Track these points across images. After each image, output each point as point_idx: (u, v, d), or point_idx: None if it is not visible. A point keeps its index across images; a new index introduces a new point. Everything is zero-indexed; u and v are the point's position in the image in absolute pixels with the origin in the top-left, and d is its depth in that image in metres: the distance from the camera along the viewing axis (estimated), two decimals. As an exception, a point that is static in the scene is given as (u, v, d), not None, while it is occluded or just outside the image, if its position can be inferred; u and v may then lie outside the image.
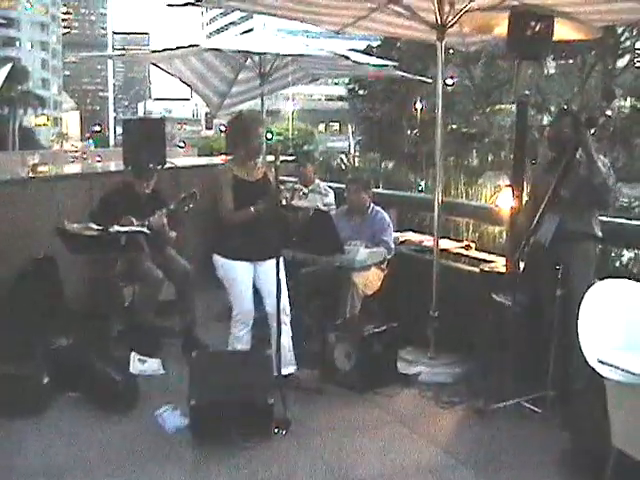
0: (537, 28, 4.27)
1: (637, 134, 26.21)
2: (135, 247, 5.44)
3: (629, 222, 5.68)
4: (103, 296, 5.79)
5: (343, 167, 26.64)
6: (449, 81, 29.90)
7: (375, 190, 6.55)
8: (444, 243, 6.00)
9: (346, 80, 40.68)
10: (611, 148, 22.64)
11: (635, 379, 3.09)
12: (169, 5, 5.14)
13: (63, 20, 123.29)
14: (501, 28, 4.60)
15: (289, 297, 4.87)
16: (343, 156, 33.71)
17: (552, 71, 28.84)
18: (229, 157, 5.23)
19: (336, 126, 77.80)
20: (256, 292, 4.94)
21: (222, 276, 4.92)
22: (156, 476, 3.83)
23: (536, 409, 4.43)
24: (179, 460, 4.01)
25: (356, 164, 31.39)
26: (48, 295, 6.06)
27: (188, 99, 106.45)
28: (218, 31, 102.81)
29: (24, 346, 5.07)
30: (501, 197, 6.38)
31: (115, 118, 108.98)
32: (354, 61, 7.03)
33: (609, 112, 4.27)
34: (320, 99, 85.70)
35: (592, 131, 4.30)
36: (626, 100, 27.74)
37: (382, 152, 36.96)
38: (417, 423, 4.53)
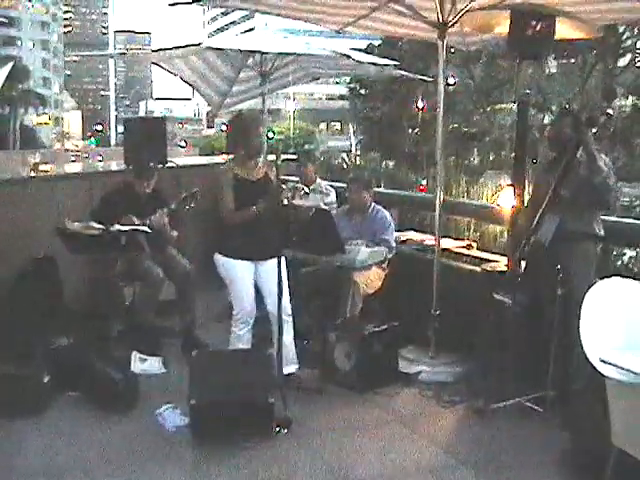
0: (538, 27, 4.25)
1: (638, 133, 26.18)
2: (136, 246, 5.44)
3: (630, 221, 5.69)
4: (103, 295, 5.78)
5: (344, 166, 26.66)
6: (450, 80, 29.89)
7: (376, 189, 6.54)
8: (445, 242, 5.99)
9: (347, 79, 40.63)
10: (612, 148, 22.61)
11: (636, 378, 3.08)
12: (171, 4, 5.14)
13: (64, 19, 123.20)
14: (502, 27, 4.59)
15: (290, 296, 4.86)
16: (344, 155, 33.76)
17: (553, 70, 28.84)
18: (230, 156, 5.23)
19: (337, 125, 77.78)
20: (257, 291, 4.95)
21: (223, 275, 4.92)
22: (156, 476, 3.83)
23: (536, 409, 4.43)
24: (179, 460, 4.01)
25: (357, 163, 31.42)
26: (48, 295, 6.06)
27: (189, 98, 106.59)
28: (219, 30, 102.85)
29: (24, 346, 5.07)
30: (502, 196, 6.38)
31: (116, 117, 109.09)
32: (355, 60, 7.03)
33: (610, 111, 4.26)
34: (321, 98, 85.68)
35: (593, 130, 4.30)
36: (627, 99, 27.72)
37: (383, 151, 36.97)
38: (417, 423, 4.53)
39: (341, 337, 5.14)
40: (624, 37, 26.33)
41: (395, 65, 8.60)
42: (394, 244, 5.94)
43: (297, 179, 6.97)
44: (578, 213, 4.47)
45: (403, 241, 6.51)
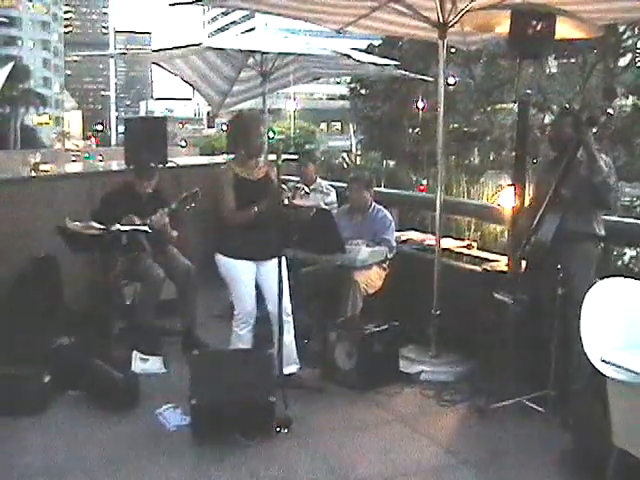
0: (538, 27, 4.26)
1: (638, 133, 26.14)
2: (136, 246, 5.44)
3: (630, 221, 5.69)
4: (104, 295, 5.78)
5: (345, 166, 26.67)
6: (450, 80, 29.86)
7: (377, 189, 6.54)
8: (446, 242, 6.00)
9: (348, 79, 40.63)
10: (612, 147, 22.59)
11: (637, 378, 3.09)
12: (172, 4, 5.15)
13: (65, 19, 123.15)
14: (502, 27, 4.60)
15: (290, 296, 4.86)
16: (345, 155, 33.77)
17: (553, 70, 28.81)
18: (230, 156, 5.24)
19: (338, 125, 77.76)
20: (258, 291, 4.95)
21: (224, 275, 4.92)
22: (157, 475, 3.83)
23: (537, 408, 4.43)
24: (180, 459, 4.01)
25: (358, 163, 31.43)
26: (49, 294, 6.06)
27: (190, 98, 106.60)
28: (219, 30, 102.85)
29: (25, 345, 5.07)
30: (502, 196, 6.39)
31: (117, 117, 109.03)
32: (356, 60, 7.03)
33: (610, 111, 4.27)
34: (322, 98, 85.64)
35: (593, 130, 4.30)
36: (627, 99, 27.69)
37: (383, 151, 36.95)
38: (418, 422, 4.53)
39: (342, 336, 5.15)
40: (625, 37, 26.29)
41: (395, 65, 8.61)
42: (395, 244, 5.95)
43: (297, 179, 6.96)
44: (579, 213, 4.47)
45: (404, 241, 6.51)
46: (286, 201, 4.76)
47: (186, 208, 5.66)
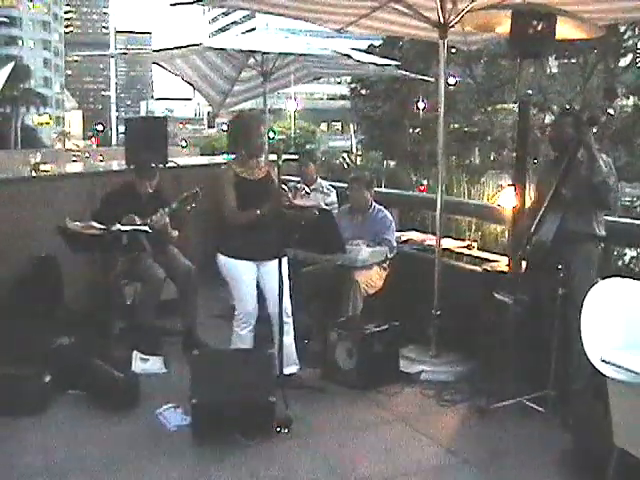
0: (539, 27, 4.26)
1: (639, 133, 26.15)
2: (137, 246, 5.44)
3: (631, 221, 5.69)
4: (105, 295, 5.78)
5: (345, 166, 26.68)
6: (451, 80, 29.89)
7: (377, 189, 6.54)
8: (446, 242, 6.00)
9: (348, 79, 40.67)
10: (613, 147, 22.60)
11: (637, 378, 3.09)
12: (173, 4, 5.15)
13: (65, 19, 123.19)
14: (503, 27, 4.60)
15: (291, 296, 4.86)
16: (345, 155, 33.78)
17: (554, 70, 28.82)
18: (231, 156, 5.23)
19: (338, 125, 77.81)
20: (259, 291, 4.94)
21: (225, 275, 4.92)
22: (157, 475, 3.83)
23: (538, 408, 4.43)
24: (180, 459, 4.01)
25: (358, 163, 31.43)
26: (50, 294, 6.07)
27: (190, 98, 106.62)
28: (220, 30, 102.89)
29: (26, 345, 5.08)
30: (503, 196, 6.39)
31: (117, 117, 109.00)
32: (356, 60, 7.04)
33: (611, 111, 4.27)
34: (322, 98, 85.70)
35: (594, 130, 4.30)
36: (628, 99, 27.70)
37: (384, 151, 36.99)
38: (419, 422, 4.53)
39: (342, 336, 5.15)
40: (625, 37, 26.30)
41: (396, 65, 8.61)
42: (395, 244, 5.95)
43: (298, 179, 6.97)
44: (579, 213, 4.47)
45: (404, 241, 6.51)
46: (288, 202, 4.76)
47: (187, 208, 5.66)
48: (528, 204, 4.81)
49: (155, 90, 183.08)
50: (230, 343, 4.92)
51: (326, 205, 6.50)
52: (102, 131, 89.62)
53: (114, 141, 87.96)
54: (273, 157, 4.97)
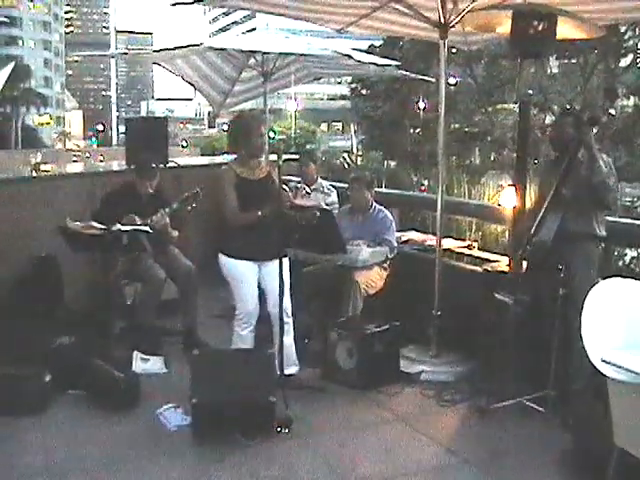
0: (539, 27, 4.26)
1: (639, 133, 26.14)
2: (137, 246, 5.44)
3: (631, 222, 5.69)
4: (105, 295, 5.78)
5: (346, 166, 26.67)
6: (451, 80, 29.87)
7: (378, 189, 6.54)
8: (447, 242, 5.99)
9: (348, 79, 40.65)
10: (613, 148, 22.59)
11: (637, 378, 3.08)
12: (173, 4, 5.15)
13: (66, 19, 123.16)
14: (503, 27, 4.60)
15: (291, 296, 4.86)
16: (346, 155, 33.77)
17: (554, 70, 28.81)
18: (231, 156, 5.23)
19: (338, 125, 77.84)
20: (260, 291, 4.94)
21: (227, 275, 4.91)
22: (157, 475, 3.83)
23: (538, 408, 4.43)
24: (180, 459, 4.01)
25: (358, 163, 31.42)
26: (50, 294, 6.08)
27: (191, 99, 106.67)
28: (220, 30, 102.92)
29: (26, 345, 5.08)
30: (503, 196, 6.39)
31: (118, 117, 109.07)
32: (356, 60, 7.04)
33: (612, 111, 4.27)
34: (322, 98, 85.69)
35: (594, 130, 4.30)
36: (629, 99, 27.70)
37: (384, 151, 36.96)
38: (419, 422, 4.53)
39: (343, 336, 5.15)
40: (626, 37, 26.28)
41: (396, 65, 8.61)
42: (395, 244, 5.95)
43: (298, 179, 6.97)
44: (580, 213, 4.47)
45: (404, 241, 6.51)
46: (290, 202, 4.76)
47: (187, 208, 5.66)
48: (528, 204, 4.81)
49: (156, 90, 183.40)
50: (230, 343, 4.92)
51: (327, 205, 6.50)
52: (102, 131, 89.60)
53: (114, 141, 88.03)
54: (273, 157, 4.97)
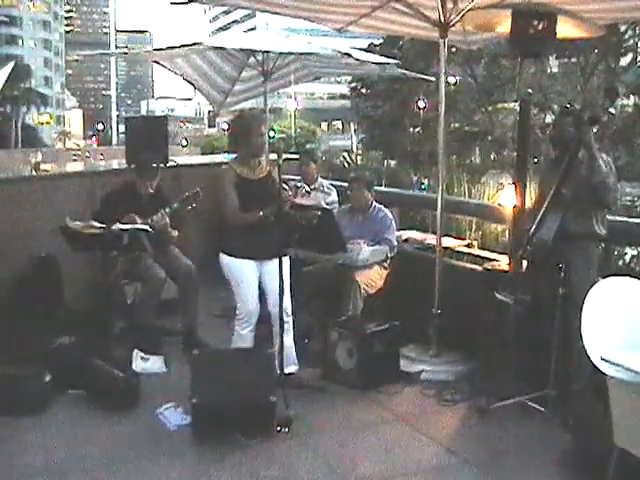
0: (539, 27, 4.25)
1: (639, 133, 26.15)
2: (137, 246, 5.43)
3: (631, 221, 5.68)
4: (105, 294, 5.78)
5: (346, 165, 26.65)
6: (451, 79, 29.89)
7: (377, 188, 6.54)
8: (447, 241, 5.99)
9: (348, 78, 40.65)
10: (613, 147, 22.59)
11: (637, 377, 3.08)
12: (173, 3, 5.15)
13: (66, 18, 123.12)
14: (503, 26, 4.59)
15: (291, 295, 4.86)
16: (345, 154, 33.74)
17: (554, 70, 28.81)
18: (231, 155, 5.23)
19: (338, 124, 77.86)
20: (260, 291, 4.94)
21: (227, 275, 4.91)
22: (157, 474, 3.83)
23: (538, 408, 4.43)
24: (181, 458, 4.01)
25: (358, 162, 31.41)
26: (50, 293, 6.07)
27: (190, 98, 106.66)
28: (220, 29, 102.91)
29: (26, 344, 5.07)
30: (504, 195, 6.39)
31: (118, 116, 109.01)
32: (356, 59, 7.03)
33: (612, 111, 4.27)
34: (322, 97, 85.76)
35: (594, 130, 4.30)
36: (629, 98, 27.70)
37: (384, 150, 36.94)
38: (419, 421, 4.53)
39: (343, 336, 5.14)
40: (626, 36, 26.29)
41: (396, 64, 8.60)
42: (395, 243, 5.94)
43: (299, 178, 6.96)
44: (580, 213, 4.47)
45: (404, 240, 6.51)
46: (290, 202, 4.76)
47: (187, 208, 5.66)
48: (529, 203, 4.81)
49: (155, 89, 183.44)
50: (230, 342, 4.92)
51: (327, 204, 6.51)
52: (102, 130, 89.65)
53: (114, 140, 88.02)
54: (273, 156, 4.96)
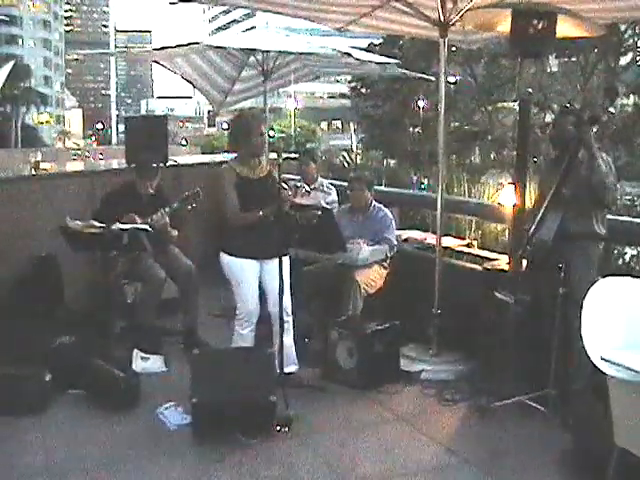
0: (539, 26, 4.25)
1: (639, 132, 26.14)
2: (137, 245, 5.43)
3: (631, 220, 5.68)
4: (105, 294, 5.78)
5: (345, 165, 26.65)
6: (451, 79, 29.86)
7: (377, 188, 6.53)
8: (446, 241, 5.99)
9: (348, 78, 40.67)
10: (613, 146, 22.58)
11: (637, 377, 3.08)
12: (172, 2, 5.15)
13: (65, 18, 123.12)
14: (503, 26, 4.60)
15: (291, 295, 4.86)
16: (345, 154, 33.72)
17: (554, 69, 28.80)
18: (231, 155, 5.23)
19: (338, 124, 77.81)
20: (261, 290, 4.94)
21: (228, 274, 4.91)
22: (157, 474, 3.83)
23: (538, 407, 4.42)
24: (181, 458, 4.01)
25: (358, 162, 31.38)
26: (50, 293, 6.07)
27: (190, 97, 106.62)
28: (220, 29, 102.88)
29: (26, 344, 5.07)
30: (503, 195, 6.38)
31: (117, 116, 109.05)
32: (357, 59, 7.03)
33: (612, 110, 4.26)
34: (322, 97, 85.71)
35: (594, 129, 4.30)
36: (629, 98, 27.69)
37: (384, 150, 36.94)
38: (419, 421, 4.53)
39: (343, 335, 5.14)
40: (626, 36, 26.27)
41: (396, 64, 8.59)
42: (395, 242, 5.94)
43: (298, 178, 6.96)
44: (580, 212, 4.47)
45: (404, 240, 6.50)
46: (290, 201, 4.76)
47: (187, 208, 5.66)
48: (528, 203, 4.80)
49: (155, 89, 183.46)
50: (231, 342, 4.92)
51: (326, 204, 6.50)
52: (102, 130, 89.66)
53: (114, 140, 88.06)
54: (273, 156, 4.96)
